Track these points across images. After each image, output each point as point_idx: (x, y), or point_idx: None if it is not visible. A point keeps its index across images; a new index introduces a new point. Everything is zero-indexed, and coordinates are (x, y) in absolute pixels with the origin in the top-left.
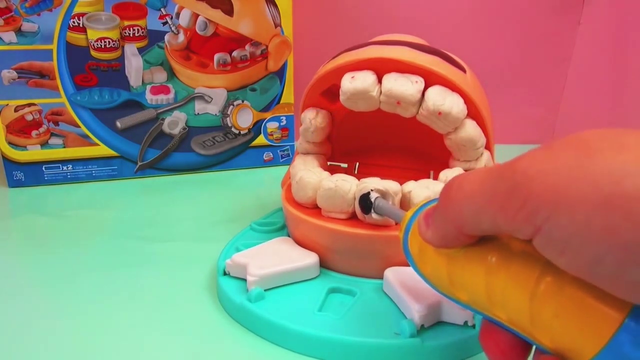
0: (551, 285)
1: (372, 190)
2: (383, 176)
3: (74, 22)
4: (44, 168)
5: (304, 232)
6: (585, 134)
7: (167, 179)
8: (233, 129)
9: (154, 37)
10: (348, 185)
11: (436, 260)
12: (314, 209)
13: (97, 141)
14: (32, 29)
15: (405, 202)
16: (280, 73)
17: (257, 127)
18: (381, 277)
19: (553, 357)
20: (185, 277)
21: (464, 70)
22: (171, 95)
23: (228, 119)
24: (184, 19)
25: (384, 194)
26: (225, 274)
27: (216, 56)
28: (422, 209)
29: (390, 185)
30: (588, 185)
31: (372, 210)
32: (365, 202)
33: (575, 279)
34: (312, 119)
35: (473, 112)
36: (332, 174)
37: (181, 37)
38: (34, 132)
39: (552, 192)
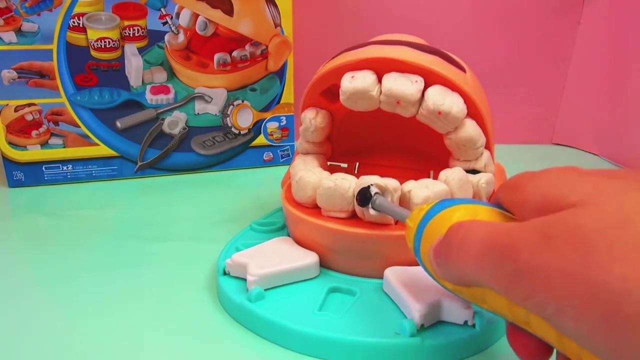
0: None
1: (372, 184)
2: (383, 176)
3: (74, 22)
4: (44, 168)
5: (303, 232)
6: (582, 220)
7: (167, 179)
8: (233, 129)
9: (154, 37)
10: (347, 184)
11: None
12: (314, 208)
13: (97, 141)
14: (32, 29)
15: (404, 201)
16: (280, 73)
17: (257, 127)
18: (381, 277)
19: None
20: (185, 277)
21: (464, 70)
22: (171, 95)
23: (228, 119)
24: (184, 19)
25: (383, 190)
26: (225, 273)
27: (216, 56)
28: (431, 214)
29: (390, 183)
30: (590, 297)
31: (370, 206)
32: (364, 194)
33: None
34: (312, 119)
35: (473, 112)
36: (332, 173)
37: (181, 37)
38: (34, 132)
39: (556, 296)
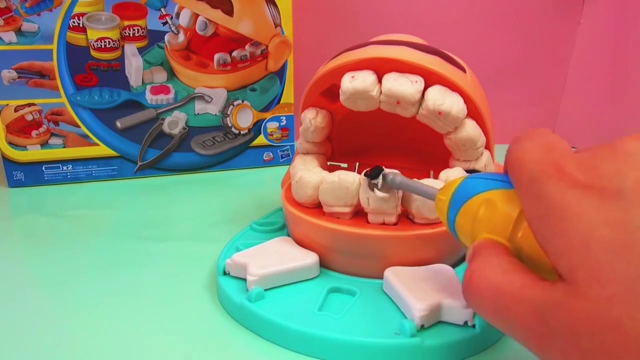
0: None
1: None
2: None
3: (74, 22)
4: (44, 168)
5: (304, 232)
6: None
7: (167, 179)
8: (233, 129)
9: (154, 37)
10: (352, 177)
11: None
12: (314, 208)
13: (97, 141)
14: (32, 29)
15: (405, 201)
16: (280, 73)
17: (257, 127)
18: (381, 277)
19: None
20: (185, 277)
21: (464, 70)
22: (171, 95)
23: (228, 119)
24: (184, 19)
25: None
26: (225, 273)
27: (216, 56)
28: (463, 195)
29: None
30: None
31: (378, 184)
32: (376, 170)
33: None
34: (312, 119)
35: (473, 112)
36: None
37: (181, 37)
38: (34, 132)
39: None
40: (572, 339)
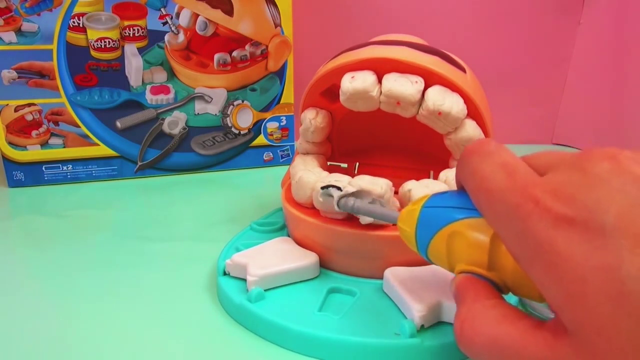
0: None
1: (333, 186)
2: (383, 176)
3: (74, 22)
4: (44, 168)
5: (303, 232)
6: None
7: (167, 179)
8: (233, 129)
9: (154, 37)
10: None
11: None
12: (314, 208)
13: (97, 141)
14: (32, 29)
15: (405, 201)
16: (280, 73)
17: (257, 127)
18: (381, 277)
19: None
20: (185, 277)
21: (464, 70)
22: (171, 95)
23: (228, 119)
24: (184, 19)
25: (357, 193)
26: (225, 274)
27: (216, 56)
28: (429, 227)
29: (379, 182)
30: None
31: (336, 205)
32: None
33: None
34: (312, 119)
35: (473, 112)
36: (331, 173)
37: (181, 37)
38: (34, 132)
39: None
40: None
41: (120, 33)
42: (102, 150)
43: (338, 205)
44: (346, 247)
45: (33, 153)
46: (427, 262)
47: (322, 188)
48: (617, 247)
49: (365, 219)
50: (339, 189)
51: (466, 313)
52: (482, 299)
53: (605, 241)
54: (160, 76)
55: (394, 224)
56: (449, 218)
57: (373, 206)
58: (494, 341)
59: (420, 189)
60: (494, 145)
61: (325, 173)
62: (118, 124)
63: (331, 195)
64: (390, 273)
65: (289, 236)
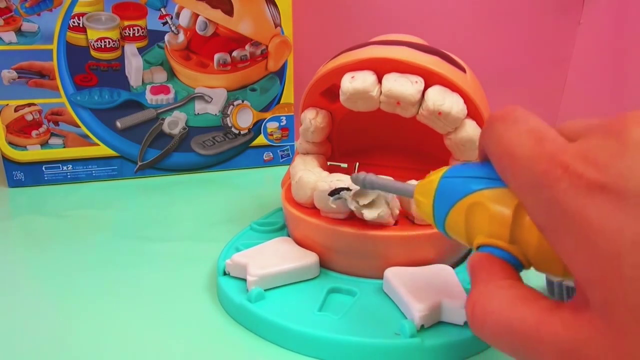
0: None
1: (342, 189)
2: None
3: (74, 22)
4: (44, 168)
5: (304, 232)
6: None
7: (167, 179)
8: (233, 129)
9: (154, 37)
10: (343, 186)
11: None
12: (314, 208)
13: (97, 141)
14: (32, 29)
15: (405, 201)
16: (280, 73)
17: (257, 127)
18: (381, 277)
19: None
20: (185, 277)
21: (464, 70)
22: (171, 95)
23: (228, 119)
24: (184, 19)
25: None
26: (225, 274)
27: (216, 56)
28: (449, 197)
29: None
30: None
31: (340, 196)
32: (337, 192)
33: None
34: (312, 119)
35: (473, 112)
36: (331, 173)
37: (181, 37)
38: (34, 132)
39: None
40: None
41: (120, 33)
42: (102, 150)
43: (357, 181)
44: (346, 247)
45: (33, 153)
46: (427, 262)
47: (331, 194)
48: None
49: (370, 214)
50: (347, 189)
51: (479, 294)
52: (496, 279)
53: None
54: (160, 76)
55: (410, 197)
56: (469, 188)
57: (386, 179)
58: (506, 324)
59: None
60: (521, 112)
61: (326, 173)
62: (118, 124)
63: (343, 197)
64: (390, 273)
65: (289, 236)
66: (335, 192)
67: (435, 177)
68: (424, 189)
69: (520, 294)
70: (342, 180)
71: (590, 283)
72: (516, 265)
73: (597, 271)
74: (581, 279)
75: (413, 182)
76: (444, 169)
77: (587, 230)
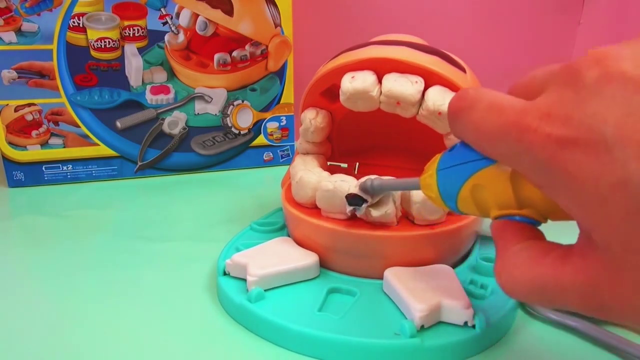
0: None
1: (358, 197)
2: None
3: (74, 22)
4: (44, 168)
5: (304, 232)
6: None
7: (167, 179)
8: (233, 129)
9: (154, 37)
10: (347, 186)
11: None
12: (314, 209)
13: (97, 141)
14: (32, 29)
15: (405, 201)
16: (280, 73)
17: (257, 127)
18: (381, 277)
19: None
20: (185, 277)
21: (464, 70)
22: (171, 95)
23: (228, 119)
24: (184, 19)
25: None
26: (225, 274)
27: (216, 56)
28: (442, 187)
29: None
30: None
31: (364, 205)
32: (357, 202)
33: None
34: (312, 119)
35: None
36: (332, 174)
37: (181, 37)
38: (34, 132)
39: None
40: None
41: (120, 33)
42: (102, 150)
43: (365, 187)
44: (346, 247)
45: (33, 153)
46: (427, 262)
47: (350, 203)
48: (623, 159)
49: (377, 212)
50: (365, 201)
51: (501, 265)
52: (510, 245)
53: (612, 155)
54: (160, 76)
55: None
56: (464, 175)
57: (392, 179)
58: (533, 284)
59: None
60: (472, 93)
61: (326, 173)
62: (118, 124)
63: (360, 209)
64: (390, 273)
65: (289, 236)
66: (353, 202)
67: (431, 171)
68: (427, 185)
69: (532, 253)
70: (346, 180)
71: (590, 228)
72: (533, 223)
73: (592, 217)
74: (582, 226)
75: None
76: (435, 160)
77: (572, 184)
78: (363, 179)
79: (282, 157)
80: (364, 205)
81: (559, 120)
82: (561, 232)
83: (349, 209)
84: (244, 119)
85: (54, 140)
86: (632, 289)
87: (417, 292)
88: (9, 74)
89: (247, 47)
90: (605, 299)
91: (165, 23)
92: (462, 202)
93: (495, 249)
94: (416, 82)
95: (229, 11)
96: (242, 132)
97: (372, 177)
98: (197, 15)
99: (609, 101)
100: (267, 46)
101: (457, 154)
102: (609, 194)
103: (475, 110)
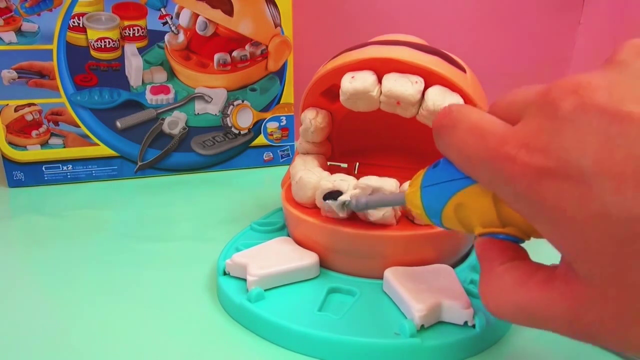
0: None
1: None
2: (383, 176)
3: (74, 22)
4: (44, 168)
5: (304, 232)
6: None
7: (167, 179)
8: (233, 129)
9: (154, 37)
10: (346, 185)
11: None
12: (314, 208)
13: (97, 141)
14: (32, 29)
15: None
16: (280, 73)
17: (257, 127)
18: (381, 277)
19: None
20: (185, 277)
21: (464, 70)
22: (171, 95)
23: (228, 119)
24: (184, 19)
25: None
26: (225, 274)
27: (216, 56)
28: (427, 206)
29: (388, 182)
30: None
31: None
32: (333, 196)
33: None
34: (312, 119)
35: None
36: (332, 174)
37: (181, 37)
38: (34, 132)
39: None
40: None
41: (120, 33)
42: (102, 150)
43: (349, 206)
44: (346, 247)
45: (33, 153)
46: (427, 262)
47: (323, 197)
48: (601, 192)
49: (375, 214)
50: (340, 192)
51: (486, 287)
52: (495, 266)
53: (590, 187)
54: (160, 76)
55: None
56: (447, 194)
57: (378, 195)
58: (518, 308)
59: None
60: (456, 111)
61: (326, 173)
62: (118, 124)
63: (331, 204)
64: (390, 273)
65: (289, 236)
66: (327, 196)
67: (415, 187)
68: (412, 200)
69: (517, 275)
70: (345, 180)
71: (571, 258)
72: (516, 241)
73: (571, 248)
74: (564, 255)
75: (406, 185)
76: (419, 176)
77: (551, 214)
78: (347, 198)
79: (282, 157)
80: (340, 198)
81: (537, 150)
82: (546, 245)
83: (324, 204)
84: (244, 119)
85: (54, 140)
86: (615, 320)
87: (417, 292)
88: (9, 74)
89: (247, 47)
90: (590, 327)
91: (165, 23)
92: (446, 219)
93: (480, 268)
94: (416, 82)
95: (229, 11)
96: (242, 132)
97: (356, 192)
98: (197, 15)
99: (585, 133)
100: (267, 46)
101: (440, 171)
102: (588, 226)
103: (457, 130)
